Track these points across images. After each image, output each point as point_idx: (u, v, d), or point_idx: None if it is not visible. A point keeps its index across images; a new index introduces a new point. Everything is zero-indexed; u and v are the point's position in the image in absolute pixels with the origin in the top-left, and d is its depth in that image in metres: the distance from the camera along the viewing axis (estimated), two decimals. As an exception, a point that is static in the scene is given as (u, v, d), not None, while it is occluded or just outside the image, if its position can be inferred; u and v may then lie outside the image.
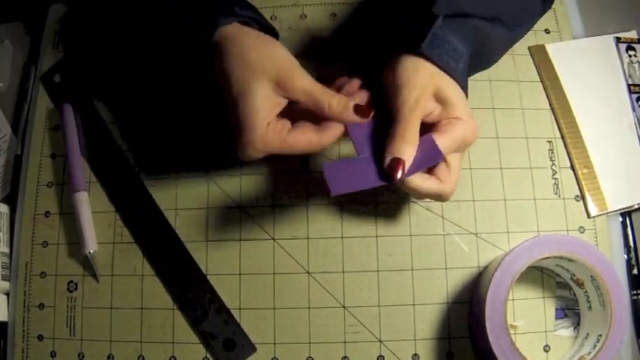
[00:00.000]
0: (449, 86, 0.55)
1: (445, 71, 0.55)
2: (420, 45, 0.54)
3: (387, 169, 0.53)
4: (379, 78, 0.58)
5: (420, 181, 0.54)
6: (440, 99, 0.55)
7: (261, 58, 0.54)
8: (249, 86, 0.53)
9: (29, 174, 0.69)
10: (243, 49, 0.54)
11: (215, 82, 0.56)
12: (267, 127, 0.53)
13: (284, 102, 0.54)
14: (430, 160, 0.54)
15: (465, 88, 0.56)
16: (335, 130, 0.55)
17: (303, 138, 0.54)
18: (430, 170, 0.55)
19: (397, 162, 0.53)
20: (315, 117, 0.55)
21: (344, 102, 0.54)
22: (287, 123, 0.55)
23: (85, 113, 0.70)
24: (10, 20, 0.77)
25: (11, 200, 0.69)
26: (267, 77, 0.53)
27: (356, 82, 0.60)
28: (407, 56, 0.55)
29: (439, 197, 0.56)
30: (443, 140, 0.53)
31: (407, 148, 0.53)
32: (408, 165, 0.53)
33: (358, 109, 0.54)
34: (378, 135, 0.56)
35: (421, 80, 0.54)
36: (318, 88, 0.54)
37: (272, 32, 0.60)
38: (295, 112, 0.56)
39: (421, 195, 0.56)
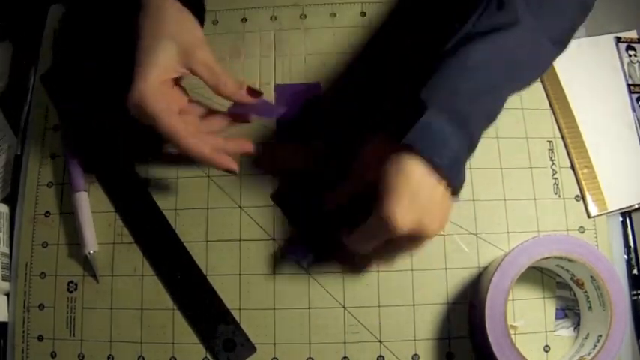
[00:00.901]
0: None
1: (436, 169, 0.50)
2: (401, 140, 0.50)
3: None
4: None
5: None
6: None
7: (176, 24, 0.57)
8: (157, 42, 0.56)
9: (29, 174, 0.69)
10: (161, 13, 0.57)
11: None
12: (157, 85, 0.55)
13: (181, 71, 0.57)
14: None
15: (452, 182, 0.51)
16: (219, 121, 0.61)
17: (172, 121, 0.56)
18: None
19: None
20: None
21: (239, 82, 0.59)
22: (173, 103, 0.58)
23: (84, 113, 0.70)
24: (10, 20, 0.77)
25: (11, 200, 0.69)
26: (176, 41, 0.56)
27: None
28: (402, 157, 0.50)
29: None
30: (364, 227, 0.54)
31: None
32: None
33: (250, 90, 0.59)
34: None
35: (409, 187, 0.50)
36: (218, 66, 0.58)
37: (199, 6, 0.61)
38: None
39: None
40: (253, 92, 0.59)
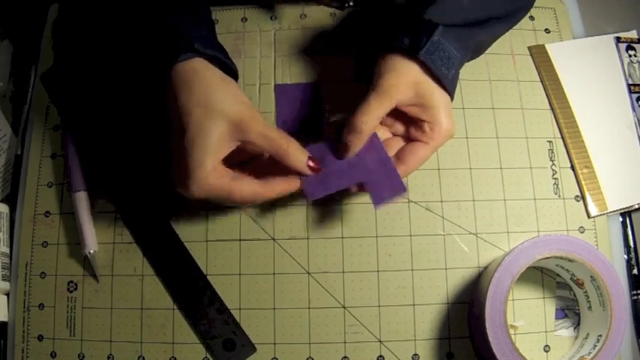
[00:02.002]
0: (433, 91, 0.57)
1: (436, 78, 0.56)
2: (417, 51, 0.55)
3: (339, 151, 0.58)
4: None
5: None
6: (423, 103, 0.57)
7: (224, 98, 0.54)
8: (206, 124, 0.52)
9: (29, 174, 0.69)
10: (207, 87, 0.54)
11: (163, 114, 0.56)
12: (214, 168, 0.53)
13: (234, 146, 0.54)
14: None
15: (452, 93, 0.58)
16: (281, 185, 0.56)
17: (248, 188, 0.55)
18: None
19: (345, 147, 0.58)
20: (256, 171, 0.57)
21: (300, 151, 0.55)
22: (230, 171, 0.55)
23: (84, 113, 0.70)
24: (10, 20, 0.77)
25: (11, 200, 0.69)
26: (227, 118, 0.53)
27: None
28: (397, 57, 0.57)
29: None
30: (422, 153, 0.58)
31: (355, 140, 0.57)
32: (352, 151, 0.58)
33: (310, 164, 0.56)
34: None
35: (405, 78, 0.56)
36: (276, 132, 0.54)
37: (233, 73, 0.59)
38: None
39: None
40: (314, 166, 0.57)
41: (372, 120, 0.56)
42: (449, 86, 0.57)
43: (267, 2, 0.71)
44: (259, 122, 0.54)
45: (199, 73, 0.54)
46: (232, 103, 0.54)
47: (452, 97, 0.58)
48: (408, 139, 0.60)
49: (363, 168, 0.58)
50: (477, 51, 0.62)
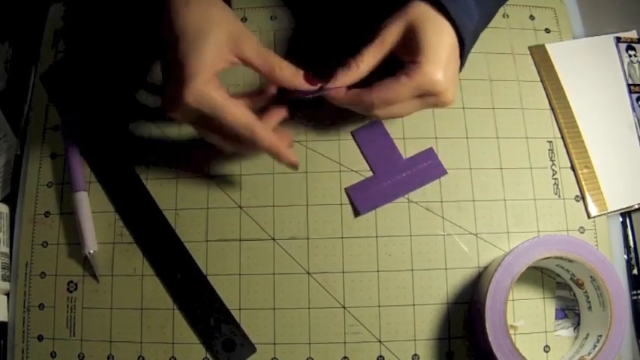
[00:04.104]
0: (428, 26, 0.54)
1: (456, 27, 0.54)
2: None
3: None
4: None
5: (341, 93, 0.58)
6: (410, 36, 0.55)
7: (223, 12, 0.54)
8: (204, 34, 0.52)
9: (29, 174, 0.69)
10: (206, 4, 0.53)
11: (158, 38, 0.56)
12: (209, 79, 0.52)
13: (230, 61, 0.54)
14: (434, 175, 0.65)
15: (467, 50, 0.56)
16: (275, 115, 0.58)
17: (243, 111, 0.54)
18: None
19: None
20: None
21: (294, 68, 0.56)
22: (224, 90, 0.54)
23: (85, 113, 0.70)
24: (10, 20, 0.77)
25: (11, 200, 0.69)
26: (225, 30, 0.53)
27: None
28: (417, 4, 0.55)
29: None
30: (391, 84, 0.55)
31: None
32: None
33: (307, 77, 0.56)
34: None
35: (406, 9, 0.55)
36: (270, 52, 0.55)
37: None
38: None
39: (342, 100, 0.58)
40: (309, 79, 0.56)
41: (368, 57, 0.56)
42: (467, 38, 0.55)
43: None
44: (254, 40, 0.54)
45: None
46: (230, 17, 0.54)
47: (464, 60, 0.57)
48: None
49: (413, 177, 0.65)
50: (490, 16, 0.60)
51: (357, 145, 0.67)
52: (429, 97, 0.56)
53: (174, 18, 0.53)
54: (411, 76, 0.54)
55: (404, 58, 0.56)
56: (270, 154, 0.57)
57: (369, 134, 0.67)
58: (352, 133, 0.67)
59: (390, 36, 0.56)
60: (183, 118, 0.55)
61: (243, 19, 0.72)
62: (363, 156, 0.66)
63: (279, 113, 0.61)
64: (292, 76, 0.56)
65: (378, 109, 0.56)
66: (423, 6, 0.55)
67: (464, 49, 0.56)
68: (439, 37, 0.54)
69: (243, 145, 0.56)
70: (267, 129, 0.55)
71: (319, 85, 0.57)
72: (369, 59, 0.56)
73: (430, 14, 0.54)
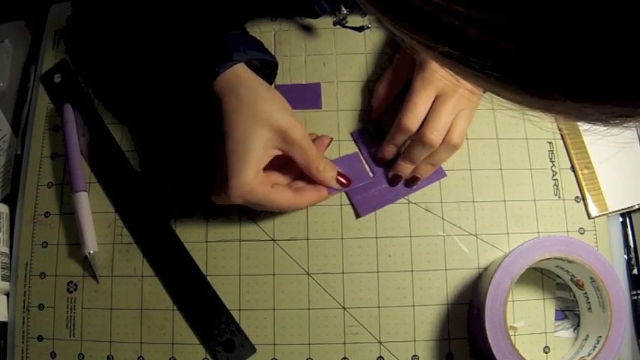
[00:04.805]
0: None
1: None
2: None
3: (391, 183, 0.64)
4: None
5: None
6: None
7: (271, 107, 0.56)
8: (251, 132, 0.55)
9: (29, 174, 0.69)
10: (254, 94, 0.56)
11: (213, 122, 0.58)
12: (257, 174, 0.55)
13: (275, 154, 0.57)
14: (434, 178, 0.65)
15: None
16: (312, 195, 0.60)
17: (285, 196, 0.58)
18: None
19: (397, 178, 0.63)
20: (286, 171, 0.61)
21: (330, 168, 0.60)
22: (269, 178, 0.58)
23: (85, 113, 0.70)
24: (11, 20, 0.77)
25: (11, 200, 0.69)
26: (272, 127, 0.55)
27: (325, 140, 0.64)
28: None
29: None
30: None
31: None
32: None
33: (340, 180, 0.60)
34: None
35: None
36: (312, 148, 0.58)
37: (272, 66, 0.62)
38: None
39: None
40: (342, 181, 0.61)
41: (420, 116, 0.58)
42: None
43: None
44: (301, 134, 0.56)
45: (243, 80, 0.57)
46: (278, 111, 0.56)
47: None
48: None
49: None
50: None
51: (357, 145, 0.67)
52: (442, 99, 0.59)
53: (225, 108, 0.56)
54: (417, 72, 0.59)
55: None
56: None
57: (368, 135, 0.67)
58: (351, 134, 0.67)
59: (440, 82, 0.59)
60: (237, 202, 0.57)
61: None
62: (363, 157, 0.66)
63: (324, 143, 0.64)
64: (329, 177, 0.60)
65: (428, 133, 0.58)
66: None
67: None
68: None
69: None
70: (308, 195, 0.60)
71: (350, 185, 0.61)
72: (420, 116, 0.59)
73: None
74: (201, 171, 0.66)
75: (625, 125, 0.23)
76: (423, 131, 0.58)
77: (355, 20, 0.69)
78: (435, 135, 0.58)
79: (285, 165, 0.61)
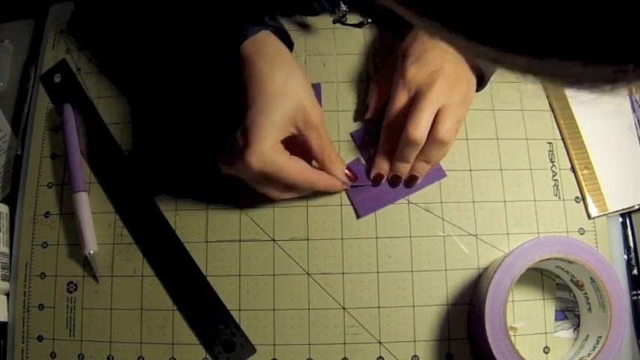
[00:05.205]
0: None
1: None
2: None
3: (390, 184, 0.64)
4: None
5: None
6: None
7: (301, 81, 0.56)
8: (280, 101, 0.54)
9: (29, 174, 0.69)
10: (285, 66, 0.56)
11: (233, 90, 0.57)
12: (275, 144, 0.55)
13: (292, 132, 0.56)
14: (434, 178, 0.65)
15: (486, 74, 0.62)
16: (327, 179, 0.60)
17: (302, 168, 0.57)
18: None
19: (396, 179, 0.63)
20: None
21: (340, 160, 0.61)
22: (285, 150, 0.57)
23: (85, 113, 0.70)
24: (11, 20, 0.77)
25: (11, 200, 0.69)
26: (298, 104, 0.55)
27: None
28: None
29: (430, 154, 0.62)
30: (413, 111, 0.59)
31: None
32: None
33: (347, 173, 0.62)
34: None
35: (440, 59, 0.59)
36: (328, 136, 0.59)
37: (289, 43, 0.63)
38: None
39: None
40: (351, 176, 0.62)
41: (427, 127, 0.58)
42: (483, 66, 0.60)
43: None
44: (319, 117, 0.57)
45: (276, 48, 0.57)
46: (306, 90, 0.56)
47: (486, 79, 0.63)
48: None
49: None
50: None
51: (356, 146, 0.67)
52: (419, 96, 0.58)
53: (255, 69, 0.55)
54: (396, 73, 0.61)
55: None
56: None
57: (368, 136, 0.67)
58: (351, 135, 0.67)
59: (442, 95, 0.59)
60: (242, 175, 0.57)
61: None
62: (363, 158, 0.66)
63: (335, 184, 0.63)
64: (339, 169, 0.61)
65: (409, 130, 0.58)
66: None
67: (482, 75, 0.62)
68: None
69: (300, 192, 0.61)
70: (323, 176, 0.60)
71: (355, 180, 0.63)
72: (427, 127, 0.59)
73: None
74: (212, 142, 0.65)
75: (615, 90, 0.22)
76: (405, 130, 0.58)
77: (355, 18, 0.69)
78: (416, 132, 0.57)
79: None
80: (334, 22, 0.68)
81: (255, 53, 0.56)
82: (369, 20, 0.69)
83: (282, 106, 0.54)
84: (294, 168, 0.56)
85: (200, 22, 0.60)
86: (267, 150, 0.54)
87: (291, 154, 0.57)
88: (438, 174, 0.65)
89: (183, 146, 0.68)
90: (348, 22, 0.68)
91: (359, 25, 0.68)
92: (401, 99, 0.60)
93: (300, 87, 0.56)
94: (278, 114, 0.54)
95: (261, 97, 0.54)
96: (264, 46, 0.56)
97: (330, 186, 0.61)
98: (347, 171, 0.61)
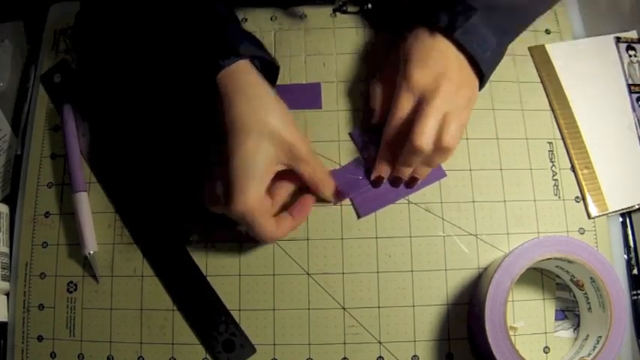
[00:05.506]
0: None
1: (472, 59, 0.59)
2: (453, 32, 0.58)
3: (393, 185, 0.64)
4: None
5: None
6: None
7: (277, 120, 0.55)
8: (260, 148, 0.54)
9: (29, 174, 0.69)
10: (261, 103, 0.55)
11: (215, 118, 0.57)
12: (260, 195, 0.55)
13: (280, 169, 0.56)
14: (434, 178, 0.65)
15: (486, 75, 0.61)
16: (306, 211, 0.61)
17: (287, 224, 0.59)
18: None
19: (397, 180, 0.64)
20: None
21: (331, 183, 0.62)
22: (268, 201, 0.58)
23: (85, 113, 0.70)
24: (11, 20, 0.77)
25: (11, 200, 0.69)
26: (279, 142, 0.55)
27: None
28: (433, 35, 0.60)
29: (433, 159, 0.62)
30: (417, 120, 0.58)
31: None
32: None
33: (335, 195, 0.63)
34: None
35: (443, 61, 0.59)
36: (320, 165, 0.60)
37: (273, 66, 0.62)
38: None
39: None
40: (338, 197, 0.63)
41: (433, 135, 0.58)
42: (484, 67, 0.59)
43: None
44: (307, 149, 0.57)
45: (251, 82, 0.56)
46: (286, 126, 0.55)
47: (485, 80, 0.61)
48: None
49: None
50: (514, 34, 0.65)
51: (356, 146, 0.66)
52: (424, 103, 0.58)
53: (234, 120, 0.55)
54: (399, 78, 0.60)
55: None
56: None
57: (367, 135, 0.67)
58: (350, 135, 0.67)
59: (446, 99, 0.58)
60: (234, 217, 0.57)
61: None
62: (362, 157, 0.66)
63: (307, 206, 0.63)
64: (330, 196, 0.62)
65: (415, 140, 0.58)
66: (452, 48, 0.59)
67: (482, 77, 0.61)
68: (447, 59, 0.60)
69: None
70: (284, 226, 0.59)
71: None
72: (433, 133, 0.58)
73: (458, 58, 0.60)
74: (197, 171, 0.66)
75: None
76: (411, 138, 0.57)
77: (354, 8, 0.69)
78: (422, 141, 0.57)
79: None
80: (334, 10, 0.67)
81: (231, 88, 0.55)
82: (369, 5, 0.68)
83: (262, 153, 0.54)
84: (282, 224, 0.58)
85: (177, 51, 0.59)
86: (251, 202, 0.54)
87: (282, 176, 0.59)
88: (438, 174, 0.65)
89: (170, 152, 0.68)
90: (349, 10, 0.67)
91: (360, 11, 0.68)
92: (404, 103, 0.60)
93: (280, 122, 0.55)
94: (260, 162, 0.54)
95: (241, 147, 0.54)
96: (240, 79, 0.55)
97: (301, 219, 0.61)
98: (336, 191, 0.63)
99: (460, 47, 0.58)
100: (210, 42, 0.57)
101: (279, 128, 0.54)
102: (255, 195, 0.54)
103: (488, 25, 0.59)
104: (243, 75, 0.56)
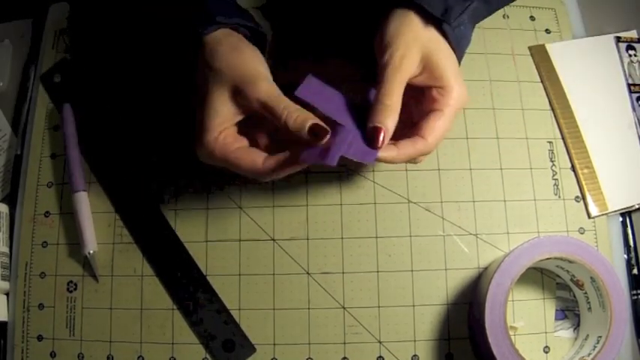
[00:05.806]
0: (439, 50, 0.55)
1: (440, 29, 0.55)
2: (449, 21, 0.55)
3: (368, 138, 0.52)
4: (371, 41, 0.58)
5: (393, 153, 0.53)
6: (428, 64, 0.54)
7: (223, 67, 0.54)
8: (209, 90, 0.54)
9: (29, 174, 0.69)
10: (211, 58, 0.55)
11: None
12: (219, 134, 0.53)
13: (243, 112, 0.54)
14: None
15: (460, 51, 0.56)
16: (282, 159, 0.52)
17: (248, 157, 0.53)
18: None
19: (377, 130, 0.52)
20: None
21: (302, 119, 0.51)
22: (242, 140, 0.55)
23: (85, 113, 0.70)
24: (11, 20, 0.77)
25: (11, 200, 0.69)
26: (227, 85, 0.53)
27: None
28: (400, 10, 0.56)
29: (417, 158, 0.56)
30: (440, 123, 0.54)
31: (387, 119, 0.52)
32: (389, 134, 0.52)
33: (315, 129, 0.50)
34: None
35: (411, 34, 0.54)
36: (275, 100, 0.52)
37: (259, 35, 0.60)
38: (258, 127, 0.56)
39: (400, 161, 0.55)
40: (318, 131, 0.51)
41: (398, 99, 0.53)
42: (459, 52, 0.56)
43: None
44: (258, 88, 0.52)
45: (222, 42, 0.55)
46: (230, 71, 0.53)
47: (459, 58, 0.57)
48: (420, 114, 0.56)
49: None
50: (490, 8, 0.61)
51: (308, 104, 0.54)
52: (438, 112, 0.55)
53: (197, 73, 0.56)
54: (450, 103, 0.54)
55: (418, 82, 0.56)
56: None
57: (313, 89, 0.55)
58: (295, 95, 0.54)
59: (410, 67, 0.54)
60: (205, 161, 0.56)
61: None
62: (321, 113, 0.53)
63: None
64: (298, 129, 0.51)
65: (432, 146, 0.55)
66: (430, 32, 0.55)
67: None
68: (451, 58, 0.55)
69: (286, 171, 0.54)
70: (271, 168, 0.53)
71: (327, 136, 0.51)
72: (399, 99, 0.54)
73: (438, 39, 0.55)
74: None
75: None
76: (429, 142, 0.54)
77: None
78: (435, 146, 0.55)
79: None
80: None
81: (206, 51, 0.55)
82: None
83: (214, 95, 0.53)
84: (242, 156, 0.53)
85: (161, 26, 0.60)
86: (212, 141, 0.53)
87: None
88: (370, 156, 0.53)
89: (168, 140, 0.68)
90: None
91: None
92: (394, 97, 0.54)
93: (233, 67, 0.53)
94: (213, 105, 0.53)
95: (199, 91, 0.55)
96: (223, 41, 0.55)
97: (281, 174, 0.53)
98: (309, 129, 0.50)
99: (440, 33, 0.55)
100: (190, 13, 0.57)
101: (230, 69, 0.53)
102: (213, 135, 0.53)
103: (470, 18, 0.57)
104: (226, 38, 0.56)
